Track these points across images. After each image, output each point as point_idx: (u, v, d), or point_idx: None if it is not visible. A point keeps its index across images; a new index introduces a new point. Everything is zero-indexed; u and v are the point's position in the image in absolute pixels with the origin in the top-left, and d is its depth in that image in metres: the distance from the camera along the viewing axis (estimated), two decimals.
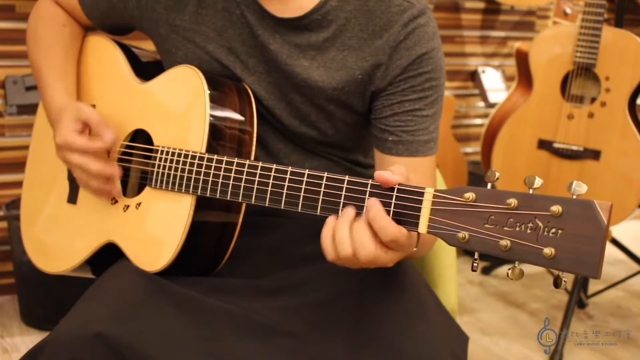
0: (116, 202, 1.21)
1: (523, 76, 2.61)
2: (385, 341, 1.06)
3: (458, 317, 1.36)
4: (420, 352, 1.06)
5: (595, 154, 2.40)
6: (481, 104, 3.33)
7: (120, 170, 1.18)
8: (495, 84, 3.26)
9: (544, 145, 2.48)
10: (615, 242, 2.71)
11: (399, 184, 0.92)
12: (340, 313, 1.10)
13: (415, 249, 0.97)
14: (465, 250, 0.87)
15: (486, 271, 3.00)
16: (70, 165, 1.19)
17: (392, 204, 0.91)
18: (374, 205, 0.91)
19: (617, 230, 2.73)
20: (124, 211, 1.19)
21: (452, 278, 1.41)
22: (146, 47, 1.38)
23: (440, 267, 1.41)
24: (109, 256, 1.20)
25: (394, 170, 0.92)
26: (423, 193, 0.89)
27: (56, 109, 1.23)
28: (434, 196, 0.88)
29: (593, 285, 2.78)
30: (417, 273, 1.24)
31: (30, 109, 2.45)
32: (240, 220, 1.13)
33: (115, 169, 1.17)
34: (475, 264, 0.87)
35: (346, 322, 1.09)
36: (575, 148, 2.42)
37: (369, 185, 0.93)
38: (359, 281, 1.15)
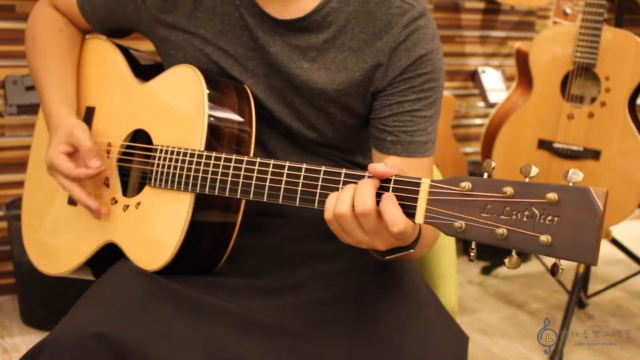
0: (116, 202, 1.21)
1: (523, 76, 2.61)
2: (385, 341, 1.06)
3: (458, 317, 1.36)
4: (420, 351, 1.06)
5: (595, 154, 2.40)
6: (481, 104, 3.33)
7: (97, 205, 1.20)
8: (495, 84, 3.26)
9: (544, 145, 2.48)
10: (615, 242, 2.71)
11: (395, 176, 0.92)
12: (340, 313, 1.10)
13: (412, 250, 0.97)
14: (462, 240, 0.88)
15: (486, 271, 3.00)
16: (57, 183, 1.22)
17: None
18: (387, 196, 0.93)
19: (617, 230, 2.73)
20: (124, 211, 1.19)
21: (452, 278, 1.41)
22: (145, 48, 1.39)
23: (440, 267, 1.41)
24: (109, 258, 1.20)
25: (388, 163, 0.93)
26: (419, 183, 0.90)
27: (54, 122, 1.25)
28: (431, 186, 0.89)
29: (593, 285, 2.78)
30: (417, 273, 1.24)
31: (30, 109, 2.45)
32: (239, 219, 1.13)
33: (93, 202, 1.19)
34: (472, 254, 0.87)
35: (346, 321, 1.09)
36: (575, 148, 2.42)
37: (366, 177, 0.94)
38: (359, 281, 1.15)
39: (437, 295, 1.26)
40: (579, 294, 2.55)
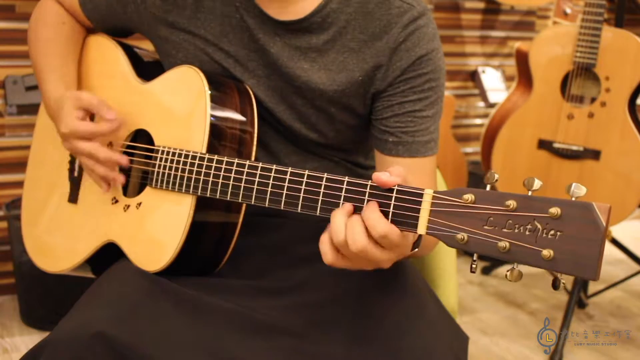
0: (117, 202, 1.21)
1: (523, 76, 2.61)
2: (385, 341, 1.06)
3: (458, 317, 1.36)
4: (420, 352, 1.06)
5: (595, 154, 2.40)
6: (481, 104, 3.33)
7: (128, 160, 1.18)
8: (495, 84, 3.26)
9: (544, 145, 2.48)
10: (615, 242, 2.71)
11: (398, 185, 0.92)
12: (340, 313, 1.10)
13: (416, 249, 0.97)
14: (464, 252, 0.88)
15: (486, 271, 3.00)
16: (77, 153, 1.19)
17: (392, 205, 0.91)
18: (368, 205, 0.92)
19: (617, 230, 2.73)
20: (125, 211, 1.19)
21: (452, 278, 1.41)
22: (147, 47, 1.38)
23: (440, 267, 1.41)
24: (109, 256, 1.20)
25: (392, 171, 0.92)
26: (422, 194, 0.89)
27: (55, 101, 1.23)
28: (433, 197, 0.88)
29: (593, 285, 2.78)
30: (417, 273, 1.24)
31: (30, 109, 2.45)
32: (241, 220, 1.13)
33: (123, 156, 1.18)
34: (474, 265, 0.87)
35: (346, 322, 1.09)
36: (575, 148, 2.42)
37: (369, 186, 0.94)
38: (359, 281, 1.15)
39: (437, 295, 1.26)
40: (579, 294, 2.55)
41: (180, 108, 1.17)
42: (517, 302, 2.76)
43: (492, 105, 3.17)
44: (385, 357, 1.05)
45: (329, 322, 1.09)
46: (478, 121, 3.36)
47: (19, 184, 1.45)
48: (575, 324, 2.54)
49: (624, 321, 2.65)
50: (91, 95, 1.19)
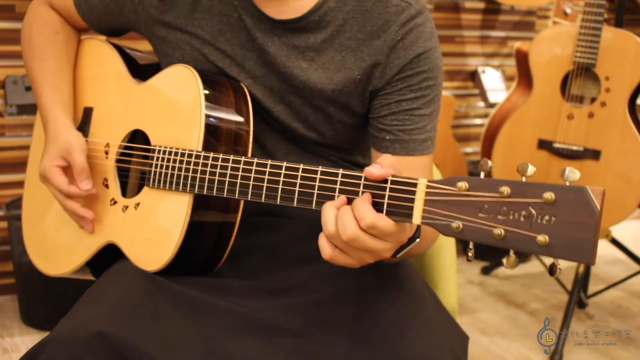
0: (115, 202, 1.21)
1: (523, 76, 2.62)
2: (385, 341, 1.06)
3: (458, 317, 1.36)
4: (420, 351, 1.06)
5: (595, 154, 2.40)
6: (481, 104, 3.33)
7: (92, 214, 1.20)
8: (495, 84, 3.26)
9: (544, 145, 2.48)
10: (615, 242, 2.71)
11: (392, 176, 0.92)
12: (339, 313, 1.10)
13: (417, 239, 0.97)
14: (460, 240, 0.88)
15: (486, 271, 3.00)
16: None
17: (386, 196, 0.91)
18: (361, 196, 0.92)
19: (617, 230, 2.73)
20: (123, 212, 1.19)
21: (452, 278, 1.41)
22: (143, 47, 1.38)
23: (440, 267, 1.41)
24: (108, 258, 1.20)
25: (382, 163, 0.92)
26: (416, 184, 0.90)
27: (50, 129, 1.24)
28: (428, 187, 0.88)
29: (593, 285, 2.79)
30: (417, 273, 1.24)
31: (30, 109, 2.45)
32: (239, 219, 1.13)
33: (87, 212, 1.20)
34: (469, 254, 0.86)
35: (346, 321, 1.09)
36: (575, 148, 2.42)
37: (363, 177, 0.94)
38: (359, 281, 1.15)
39: (437, 295, 1.26)
40: (579, 294, 2.55)
41: (175, 107, 1.17)
42: (517, 302, 2.76)
43: (492, 105, 3.17)
44: (384, 356, 1.05)
45: (329, 322, 1.09)
46: (478, 121, 3.36)
47: (19, 184, 1.45)
48: (575, 324, 2.54)
49: (624, 321, 2.64)
50: (78, 156, 1.20)
